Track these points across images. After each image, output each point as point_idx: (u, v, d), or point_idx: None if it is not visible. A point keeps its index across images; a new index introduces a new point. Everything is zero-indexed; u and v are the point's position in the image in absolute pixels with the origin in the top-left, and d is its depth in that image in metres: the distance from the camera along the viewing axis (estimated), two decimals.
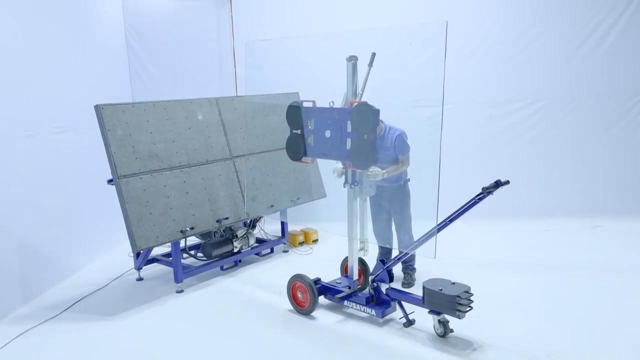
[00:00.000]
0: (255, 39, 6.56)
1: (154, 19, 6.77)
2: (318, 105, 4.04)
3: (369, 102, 3.74)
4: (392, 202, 4.55)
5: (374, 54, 3.77)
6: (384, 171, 4.15)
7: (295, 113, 4.10)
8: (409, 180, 4.53)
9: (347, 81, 3.88)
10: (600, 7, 6.36)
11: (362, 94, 3.87)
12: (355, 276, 4.18)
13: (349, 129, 3.77)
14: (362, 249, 4.18)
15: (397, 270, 4.77)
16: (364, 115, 3.65)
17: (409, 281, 4.64)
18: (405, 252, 4.09)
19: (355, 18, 6.42)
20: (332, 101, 3.93)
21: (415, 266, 4.75)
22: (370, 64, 3.79)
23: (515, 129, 6.74)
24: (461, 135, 6.70)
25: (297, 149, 4.14)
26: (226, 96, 5.75)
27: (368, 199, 4.27)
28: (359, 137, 3.71)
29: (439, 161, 3.80)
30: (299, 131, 4.12)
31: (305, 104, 4.08)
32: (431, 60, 6.68)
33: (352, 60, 3.83)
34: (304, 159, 4.15)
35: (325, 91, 4.03)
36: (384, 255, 4.74)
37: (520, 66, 6.59)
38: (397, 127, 4.37)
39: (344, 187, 4.04)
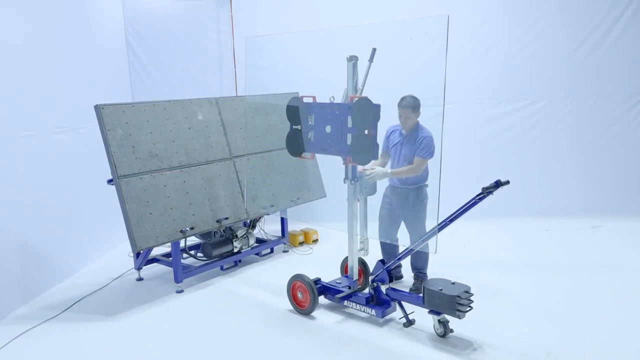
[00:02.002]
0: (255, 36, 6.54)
1: (154, 19, 6.77)
2: (318, 100, 4.04)
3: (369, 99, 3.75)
4: (403, 205, 4.42)
5: (374, 49, 3.77)
6: (389, 171, 4.13)
7: (295, 109, 4.10)
8: (427, 185, 4.39)
9: (347, 81, 3.88)
10: (600, 7, 6.37)
11: (362, 90, 3.87)
12: (355, 276, 4.18)
13: (350, 124, 3.77)
14: (362, 249, 4.17)
15: (407, 274, 4.77)
16: (365, 111, 3.66)
17: (417, 287, 4.44)
18: (406, 249, 4.06)
19: (354, 19, 6.41)
20: (333, 96, 3.92)
21: (427, 272, 4.58)
22: (371, 60, 3.79)
23: (515, 128, 6.74)
24: (461, 135, 6.70)
25: (296, 144, 4.14)
26: (226, 96, 5.75)
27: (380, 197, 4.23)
28: (359, 132, 3.71)
29: (440, 160, 3.80)
30: (299, 127, 4.11)
31: (305, 100, 4.08)
32: (432, 60, 6.69)
33: (353, 60, 3.83)
34: (303, 154, 4.15)
35: (325, 87, 4.02)
36: (389, 259, 4.69)
37: (520, 66, 6.59)
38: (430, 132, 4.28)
39: (344, 182, 4.03)
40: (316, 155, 4.69)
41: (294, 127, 4.14)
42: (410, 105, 4.20)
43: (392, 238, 4.59)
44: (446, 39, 3.29)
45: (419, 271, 4.56)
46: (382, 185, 4.51)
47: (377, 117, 3.81)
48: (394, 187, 4.44)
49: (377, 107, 3.74)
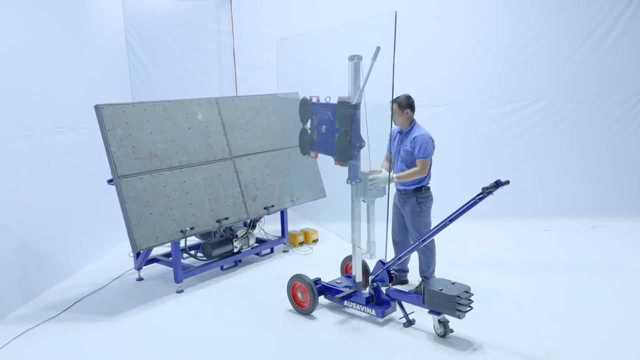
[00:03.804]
0: (260, 38, 6.49)
1: (154, 19, 6.77)
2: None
3: (368, 99, 3.74)
4: (404, 208, 4.39)
5: (378, 48, 3.74)
6: (394, 175, 4.10)
7: (304, 108, 4.19)
8: (428, 187, 4.34)
9: (348, 80, 3.87)
10: (600, 7, 6.37)
11: (363, 89, 3.85)
12: (359, 278, 4.14)
13: (337, 125, 3.81)
14: (367, 251, 4.13)
15: (412, 278, 4.76)
16: (343, 111, 3.70)
17: (419, 289, 4.19)
18: (406, 250, 4.04)
19: (355, 19, 6.40)
20: (329, 96, 3.93)
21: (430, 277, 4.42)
22: (374, 58, 3.77)
23: (515, 128, 6.74)
24: (461, 135, 6.71)
25: (305, 143, 4.23)
26: (226, 96, 5.75)
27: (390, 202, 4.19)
28: (342, 132, 3.75)
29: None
30: (307, 126, 4.18)
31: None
32: (432, 60, 6.70)
33: (354, 60, 3.82)
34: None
35: (334, 86, 4.00)
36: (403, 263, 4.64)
37: (520, 66, 6.59)
38: (426, 131, 4.27)
39: (347, 182, 4.01)
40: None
41: (304, 126, 4.21)
42: (396, 101, 4.23)
43: (404, 243, 4.54)
44: (394, 35, 3.30)
45: (423, 275, 4.47)
46: (393, 188, 4.47)
47: (357, 118, 3.73)
48: (397, 189, 4.44)
49: (355, 106, 3.69)
